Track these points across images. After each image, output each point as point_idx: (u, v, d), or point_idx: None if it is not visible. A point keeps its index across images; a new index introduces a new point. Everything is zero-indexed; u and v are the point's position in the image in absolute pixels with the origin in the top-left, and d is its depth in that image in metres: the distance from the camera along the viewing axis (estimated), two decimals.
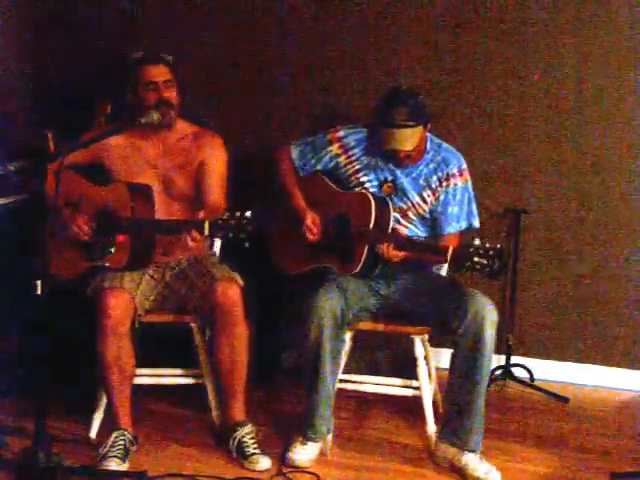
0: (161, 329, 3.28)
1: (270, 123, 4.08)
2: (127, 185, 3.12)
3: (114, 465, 2.93)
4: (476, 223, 3.27)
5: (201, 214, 2.92)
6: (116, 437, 3.01)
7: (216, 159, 3.26)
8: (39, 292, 2.64)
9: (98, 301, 2.98)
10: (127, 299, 3.02)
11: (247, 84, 4.10)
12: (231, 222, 2.79)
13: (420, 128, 3.08)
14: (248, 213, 2.78)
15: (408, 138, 3.05)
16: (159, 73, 3.16)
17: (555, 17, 3.78)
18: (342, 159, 3.28)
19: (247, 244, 2.80)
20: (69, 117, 3.72)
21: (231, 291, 3.04)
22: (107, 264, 3.10)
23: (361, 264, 3.10)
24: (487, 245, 2.78)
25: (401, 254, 3.02)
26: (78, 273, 3.17)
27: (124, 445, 3.00)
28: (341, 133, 3.29)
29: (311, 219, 3.24)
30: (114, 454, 2.96)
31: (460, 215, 3.24)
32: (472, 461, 2.98)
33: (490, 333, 2.94)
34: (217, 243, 3.45)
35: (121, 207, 3.07)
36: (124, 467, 2.97)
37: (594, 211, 3.87)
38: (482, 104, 3.90)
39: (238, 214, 2.78)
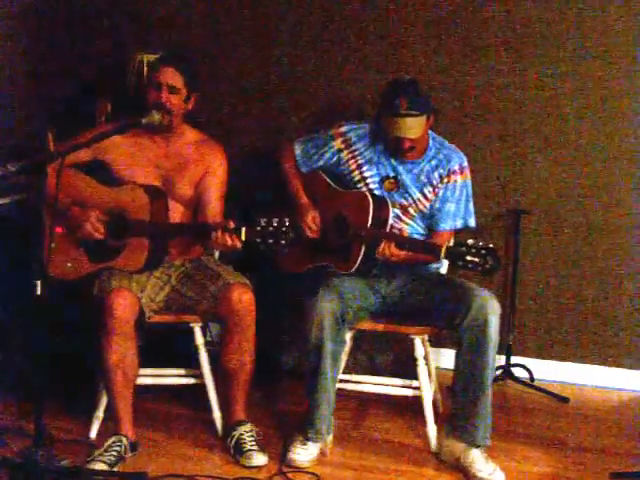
0: (161, 329, 3.29)
1: (273, 122, 4.09)
2: (144, 188, 3.11)
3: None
4: (472, 222, 3.28)
5: (231, 223, 2.90)
6: (113, 442, 3.00)
7: (218, 171, 3.24)
8: (39, 292, 2.64)
9: (104, 301, 2.96)
10: (133, 300, 3.01)
11: (249, 83, 4.10)
12: (269, 229, 2.79)
13: (424, 118, 3.09)
14: (287, 220, 2.78)
15: (412, 127, 3.06)
16: (168, 76, 3.12)
17: (556, 15, 3.78)
18: (345, 154, 3.29)
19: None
20: (69, 117, 3.72)
21: (246, 297, 3.05)
22: (118, 266, 3.08)
23: (358, 263, 3.11)
24: (480, 244, 2.78)
25: (402, 253, 3.02)
26: (81, 275, 3.16)
27: (118, 452, 2.98)
28: (344, 129, 3.30)
29: (311, 217, 3.25)
30: (104, 459, 2.93)
31: (457, 213, 3.24)
32: (478, 460, 2.97)
33: (494, 327, 2.95)
34: None
35: (138, 210, 3.06)
36: None
37: (594, 211, 3.87)
38: (482, 104, 3.90)
39: (276, 221, 2.78)
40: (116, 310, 2.94)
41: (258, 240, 2.81)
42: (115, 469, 2.94)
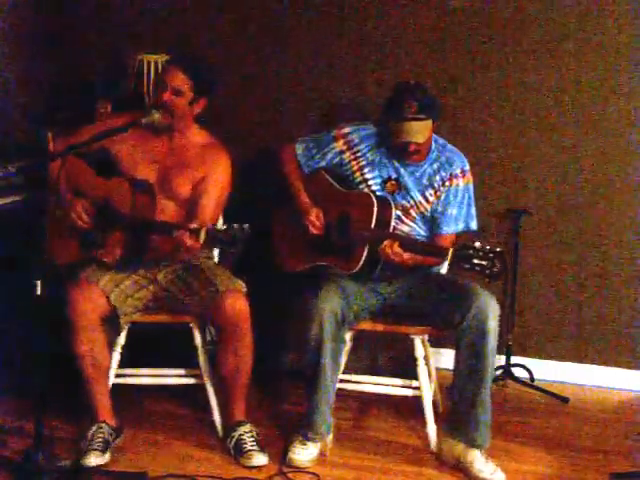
0: (161, 329, 3.29)
1: (274, 122, 4.08)
2: (130, 181, 3.11)
3: (94, 459, 2.94)
4: (474, 225, 3.27)
5: (192, 224, 2.91)
6: (95, 431, 3.03)
7: (219, 176, 3.21)
8: (39, 292, 2.64)
9: (67, 293, 3.01)
10: (96, 294, 3.02)
11: (250, 83, 4.10)
12: (227, 234, 2.77)
13: (430, 122, 3.09)
14: (246, 226, 2.77)
15: (419, 131, 3.07)
16: (173, 78, 3.12)
17: (555, 16, 3.78)
18: (347, 155, 3.28)
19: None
20: (69, 117, 3.72)
21: (239, 304, 3.03)
22: (99, 258, 3.09)
23: (361, 263, 3.10)
24: (487, 247, 2.78)
25: (405, 255, 3.01)
26: (71, 261, 3.17)
27: (103, 438, 3.00)
28: (346, 130, 3.30)
29: (315, 214, 3.25)
30: (93, 447, 2.97)
31: (459, 216, 3.24)
32: (478, 461, 2.98)
33: (493, 326, 2.95)
34: None
35: (121, 203, 3.07)
36: (105, 459, 2.98)
37: (594, 211, 3.87)
38: (482, 104, 3.90)
39: (235, 227, 2.76)
40: (75, 302, 2.99)
41: (217, 243, 2.85)
42: (107, 455, 2.97)
